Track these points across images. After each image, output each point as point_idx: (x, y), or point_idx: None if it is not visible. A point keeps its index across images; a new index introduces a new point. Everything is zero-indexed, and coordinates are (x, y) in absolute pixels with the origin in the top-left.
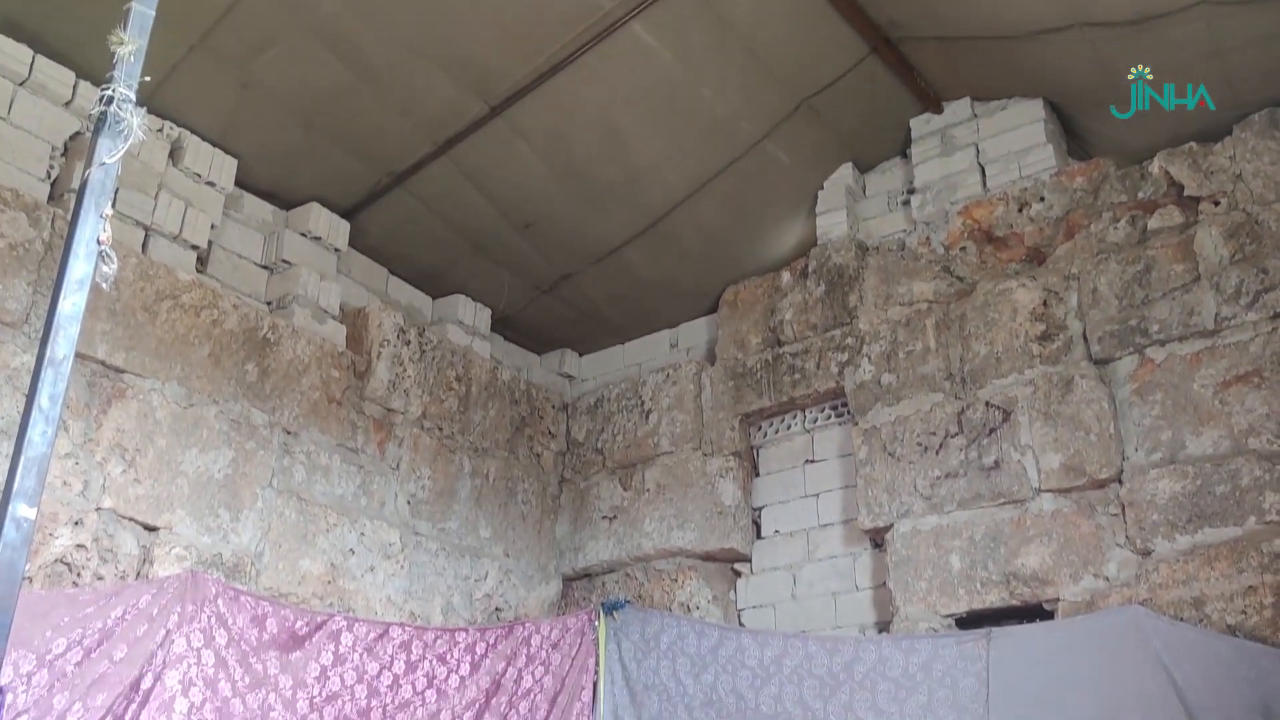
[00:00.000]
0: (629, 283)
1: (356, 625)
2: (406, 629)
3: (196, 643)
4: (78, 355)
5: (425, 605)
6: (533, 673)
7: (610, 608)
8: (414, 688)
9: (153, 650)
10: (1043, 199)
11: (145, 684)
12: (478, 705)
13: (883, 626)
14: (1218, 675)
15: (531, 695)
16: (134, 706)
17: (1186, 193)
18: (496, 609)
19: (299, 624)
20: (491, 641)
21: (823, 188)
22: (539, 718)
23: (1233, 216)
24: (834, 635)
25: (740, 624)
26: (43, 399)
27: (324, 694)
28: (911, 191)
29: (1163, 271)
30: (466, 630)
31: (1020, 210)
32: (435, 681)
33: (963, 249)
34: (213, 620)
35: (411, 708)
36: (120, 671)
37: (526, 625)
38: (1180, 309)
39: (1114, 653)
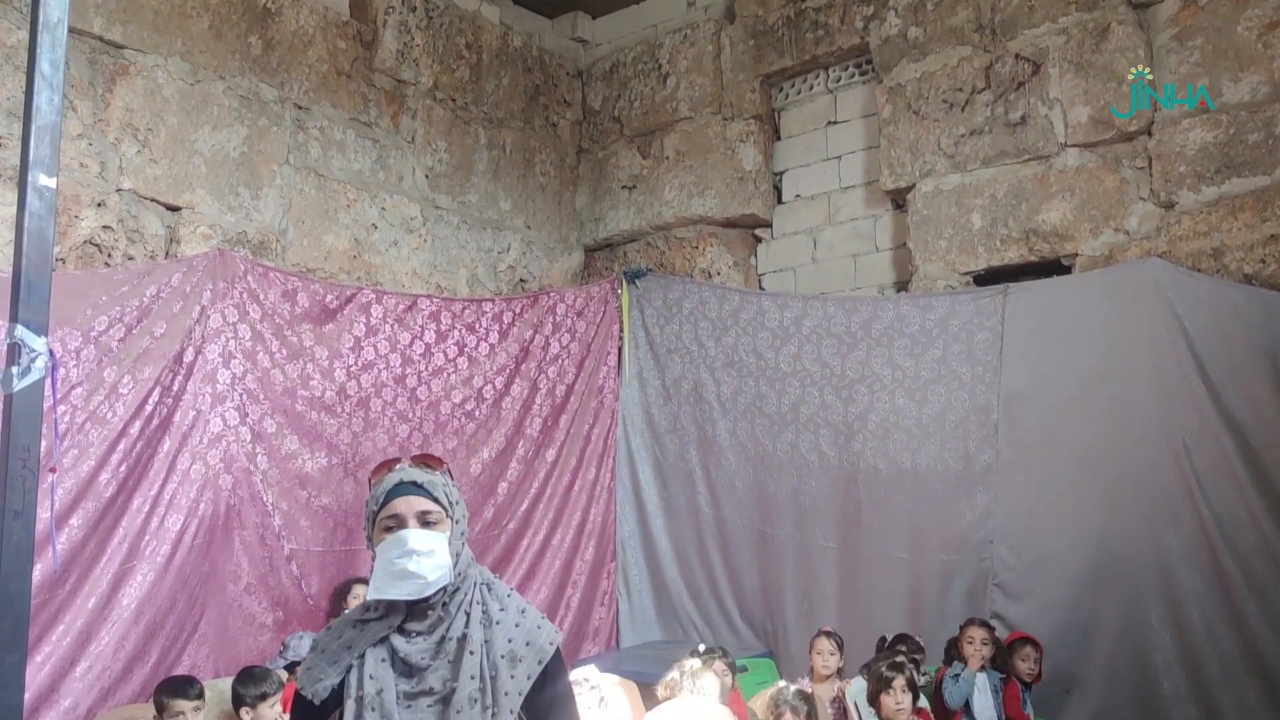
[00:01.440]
0: None
1: (385, 298)
2: (434, 300)
3: (231, 318)
4: (74, 31)
5: (450, 278)
6: (559, 339)
7: (632, 276)
8: (446, 355)
9: (190, 326)
10: None
11: (188, 357)
12: (508, 370)
13: (901, 286)
14: (1228, 323)
15: (559, 360)
16: (179, 378)
17: None
18: (520, 280)
19: (329, 297)
20: (518, 311)
21: None
22: (567, 381)
23: None
24: (853, 296)
25: (760, 288)
26: (43, 65)
27: (359, 363)
28: None
29: None
30: (493, 300)
31: None
32: (466, 349)
33: None
34: (245, 296)
35: (445, 374)
36: (163, 346)
37: (551, 294)
38: None
39: (1128, 304)
